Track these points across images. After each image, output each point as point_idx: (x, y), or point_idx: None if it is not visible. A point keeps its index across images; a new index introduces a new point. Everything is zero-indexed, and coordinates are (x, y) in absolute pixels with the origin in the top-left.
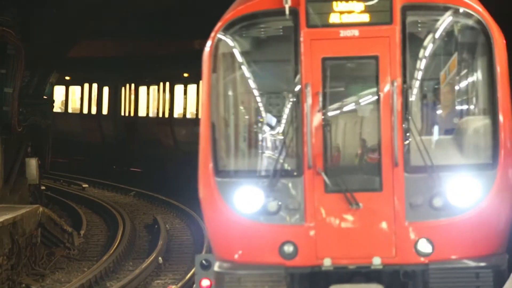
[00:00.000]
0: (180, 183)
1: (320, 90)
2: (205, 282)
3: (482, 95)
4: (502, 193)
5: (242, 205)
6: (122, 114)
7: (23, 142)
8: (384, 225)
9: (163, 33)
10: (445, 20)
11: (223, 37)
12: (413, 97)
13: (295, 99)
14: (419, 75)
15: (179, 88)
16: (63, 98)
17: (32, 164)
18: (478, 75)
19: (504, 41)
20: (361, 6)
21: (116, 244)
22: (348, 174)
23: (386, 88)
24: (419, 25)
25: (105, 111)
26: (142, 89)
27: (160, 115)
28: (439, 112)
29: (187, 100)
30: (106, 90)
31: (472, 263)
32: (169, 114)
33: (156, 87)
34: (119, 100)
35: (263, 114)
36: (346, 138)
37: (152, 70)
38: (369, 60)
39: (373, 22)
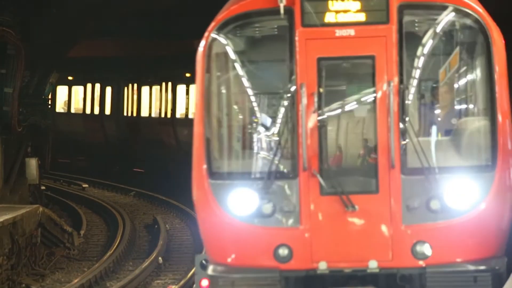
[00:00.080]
0: (180, 183)
1: (316, 90)
2: (205, 282)
3: (481, 96)
4: (501, 196)
5: (236, 207)
6: (125, 114)
7: (23, 142)
8: (380, 228)
9: (163, 33)
10: (443, 19)
11: (216, 37)
12: (410, 97)
13: (290, 100)
14: (416, 75)
15: (181, 88)
16: (66, 98)
17: (32, 164)
18: (476, 75)
19: (503, 41)
20: (357, 5)
21: (116, 244)
22: (344, 176)
23: (383, 88)
24: (416, 24)
25: (107, 111)
26: (145, 89)
27: (163, 115)
28: (436, 112)
29: (189, 100)
30: (109, 90)
31: (470, 267)
32: (171, 114)
33: (158, 87)
34: (121, 100)
35: (258, 115)
36: (342, 140)
37: (154, 70)
38: (366, 60)
39: (369, 22)
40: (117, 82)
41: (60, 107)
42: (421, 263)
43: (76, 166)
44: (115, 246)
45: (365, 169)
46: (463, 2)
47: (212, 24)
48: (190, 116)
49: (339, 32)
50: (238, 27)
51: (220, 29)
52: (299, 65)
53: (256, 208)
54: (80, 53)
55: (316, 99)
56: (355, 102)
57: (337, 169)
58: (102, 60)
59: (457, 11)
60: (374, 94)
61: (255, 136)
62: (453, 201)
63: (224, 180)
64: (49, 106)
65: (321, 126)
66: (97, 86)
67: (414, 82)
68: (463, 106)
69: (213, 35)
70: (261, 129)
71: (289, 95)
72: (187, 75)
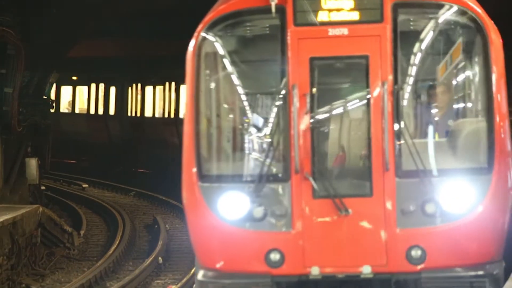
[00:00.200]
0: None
1: (308, 91)
2: None
3: (478, 97)
4: (498, 199)
5: (226, 211)
6: (129, 114)
7: (23, 142)
8: (374, 232)
9: (163, 33)
10: (439, 18)
11: (206, 36)
12: (405, 98)
13: (282, 101)
14: (411, 75)
15: (185, 88)
16: (70, 98)
17: (32, 164)
18: (473, 76)
19: (501, 40)
20: (350, 3)
21: (116, 244)
22: (337, 179)
23: (377, 89)
24: (411, 23)
25: (112, 111)
26: (148, 89)
27: (166, 115)
28: (432, 114)
29: None
30: (113, 90)
31: (466, 272)
32: (175, 114)
33: (162, 87)
34: (125, 100)
35: (249, 116)
36: (335, 142)
37: (158, 70)
38: (359, 60)
39: (363, 20)
40: (121, 82)
41: (64, 107)
42: (416, 268)
43: (80, 166)
44: (115, 246)
45: (359, 172)
46: (459, 1)
47: (202, 23)
48: None
49: (332, 31)
50: (228, 26)
51: (210, 28)
52: (291, 65)
53: (247, 212)
54: (80, 53)
55: (308, 100)
56: (348, 103)
57: (330, 171)
58: (104, 60)
59: (453, 9)
60: (368, 95)
61: (246, 138)
62: (449, 205)
63: (214, 183)
64: (53, 106)
65: (314, 128)
66: (101, 86)
67: (409, 83)
68: (460, 107)
69: (203, 34)
70: (252, 130)
71: (281, 96)
72: None
